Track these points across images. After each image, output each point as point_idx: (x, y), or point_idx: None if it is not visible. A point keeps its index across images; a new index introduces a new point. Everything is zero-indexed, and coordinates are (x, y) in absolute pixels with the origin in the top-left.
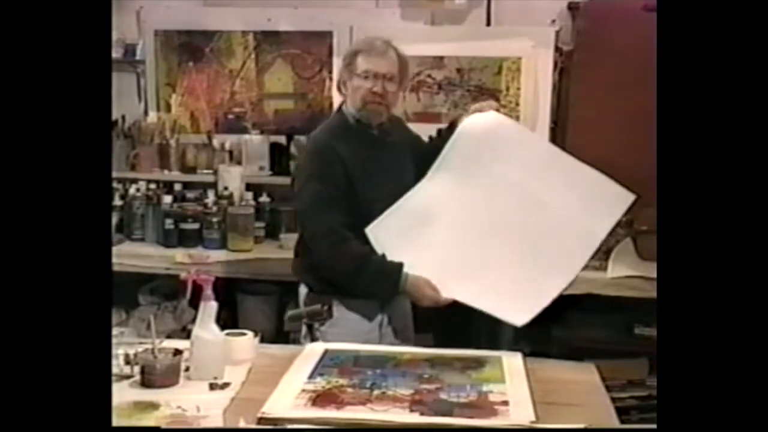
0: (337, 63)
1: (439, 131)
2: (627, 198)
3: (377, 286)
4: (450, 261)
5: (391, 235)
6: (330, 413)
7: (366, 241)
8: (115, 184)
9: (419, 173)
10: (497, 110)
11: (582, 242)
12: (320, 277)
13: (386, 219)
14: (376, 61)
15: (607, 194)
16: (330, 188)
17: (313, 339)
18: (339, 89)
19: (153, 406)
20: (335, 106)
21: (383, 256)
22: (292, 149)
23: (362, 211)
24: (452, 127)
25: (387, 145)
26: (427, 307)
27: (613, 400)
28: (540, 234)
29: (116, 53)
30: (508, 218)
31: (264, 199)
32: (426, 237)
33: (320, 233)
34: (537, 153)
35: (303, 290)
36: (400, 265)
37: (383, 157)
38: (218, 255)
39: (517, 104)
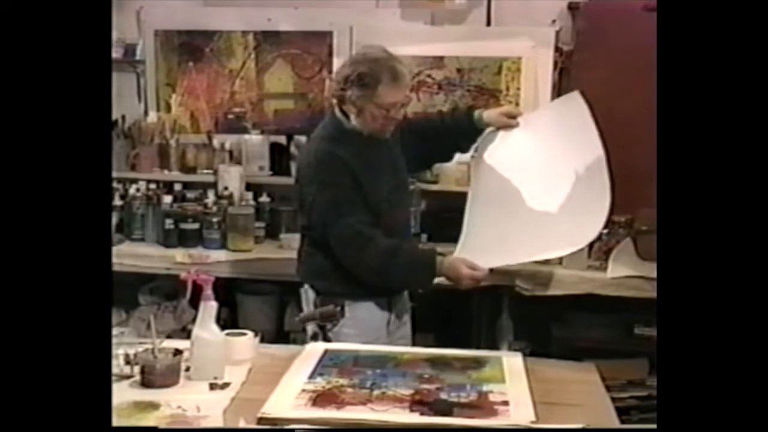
0: (337, 63)
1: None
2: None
3: (413, 273)
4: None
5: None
6: (330, 413)
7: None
8: (115, 184)
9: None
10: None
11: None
12: (332, 280)
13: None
14: (401, 92)
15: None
16: (344, 192)
17: (326, 340)
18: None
19: (153, 406)
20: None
21: (414, 244)
22: (292, 149)
23: (371, 212)
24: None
25: (384, 144)
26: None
27: (613, 400)
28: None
29: (116, 53)
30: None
31: (264, 199)
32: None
33: (346, 236)
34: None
35: (310, 293)
36: (433, 250)
37: (383, 157)
38: (218, 255)
39: (517, 104)
